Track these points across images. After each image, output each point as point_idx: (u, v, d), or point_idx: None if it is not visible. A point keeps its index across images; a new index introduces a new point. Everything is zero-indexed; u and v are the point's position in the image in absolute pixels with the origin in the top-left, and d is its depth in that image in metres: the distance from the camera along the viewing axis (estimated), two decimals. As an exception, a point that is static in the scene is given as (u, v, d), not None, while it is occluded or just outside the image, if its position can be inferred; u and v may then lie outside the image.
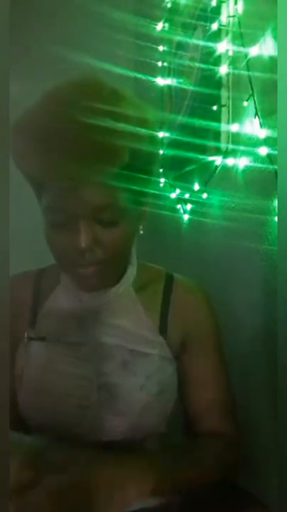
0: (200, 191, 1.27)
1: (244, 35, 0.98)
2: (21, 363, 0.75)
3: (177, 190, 1.43)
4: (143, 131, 0.65)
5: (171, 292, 0.78)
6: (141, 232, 0.75)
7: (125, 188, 0.66)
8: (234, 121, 1.09)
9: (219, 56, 1.10)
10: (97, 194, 0.64)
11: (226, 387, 0.78)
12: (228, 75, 1.09)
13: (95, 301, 0.75)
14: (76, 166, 0.61)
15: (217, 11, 1.11)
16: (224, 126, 1.10)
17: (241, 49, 0.98)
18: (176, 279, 0.81)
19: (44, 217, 0.68)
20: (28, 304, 0.80)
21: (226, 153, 1.11)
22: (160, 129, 1.58)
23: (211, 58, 1.15)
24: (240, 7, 1.01)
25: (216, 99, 1.13)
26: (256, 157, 0.98)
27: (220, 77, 1.10)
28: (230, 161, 1.09)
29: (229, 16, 1.07)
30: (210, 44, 1.15)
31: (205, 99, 1.22)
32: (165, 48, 1.58)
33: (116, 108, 0.64)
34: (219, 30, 1.10)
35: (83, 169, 0.61)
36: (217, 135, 1.14)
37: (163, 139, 1.58)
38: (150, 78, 1.67)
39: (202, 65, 1.24)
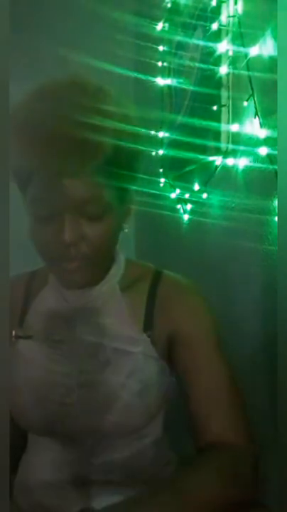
0: (200, 191, 1.27)
1: (244, 35, 0.98)
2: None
3: (177, 190, 1.43)
4: (125, 127, 0.67)
5: (157, 290, 0.77)
6: (126, 230, 0.75)
7: (110, 182, 0.67)
8: (234, 121, 1.08)
9: (219, 56, 1.10)
10: (82, 187, 0.65)
11: (227, 384, 0.73)
12: (228, 75, 1.09)
13: (79, 300, 0.76)
14: (60, 158, 0.62)
15: (217, 11, 1.11)
16: (224, 126, 1.10)
17: (241, 49, 0.98)
18: (164, 276, 0.80)
19: (28, 212, 0.69)
20: (18, 304, 0.81)
21: (226, 153, 1.11)
22: (160, 128, 1.58)
23: (211, 58, 1.15)
24: (240, 7, 1.01)
25: (216, 99, 1.13)
26: (256, 157, 0.98)
27: (220, 77, 1.10)
28: (230, 161, 1.09)
29: (229, 16, 1.07)
30: (210, 44, 1.15)
31: (205, 99, 1.22)
32: (165, 48, 1.58)
33: (99, 104, 0.65)
34: (219, 30, 1.10)
35: (66, 161, 0.62)
36: (217, 135, 1.13)
37: (163, 138, 1.58)
38: (150, 78, 1.67)
39: (202, 65, 1.24)
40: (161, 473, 0.77)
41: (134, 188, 0.76)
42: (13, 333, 0.77)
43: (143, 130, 0.73)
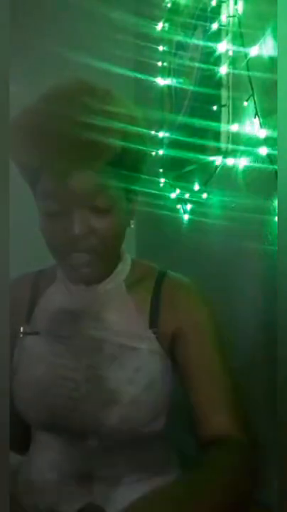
0: (200, 191, 1.27)
1: (244, 35, 0.98)
2: (16, 357, 0.78)
3: (177, 190, 1.43)
4: (132, 128, 0.70)
5: (162, 288, 0.80)
6: (132, 226, 0.78)
7: (117, 180, 0.70)
8: (234, 121, 1.08)
9: (219, 56, 1.10)
10: (91, 182, 0.68)
11: (226, 378, 0.75)
12: (228, 75, 1.09)
13: (86, 296, 0.78)
14: (68, 157, 0.65)
15: (217, 11, 1.11)
16: (224, 126, 1.10)
17: (241, 49, 0.98)
18: (168, 276, 0.82)
19: (39, 208, 0.72)
20: (25, 302, 0.83)
21: (226, 153, 1.11)
22: (160, 128, 1.58)
23: (211, 58, 1.15)
24: (240, 7, 1.02)
25: (216, 99, 1.13)
26: (256, 157, 0.98)
27: (220, 77, 1.10)
28: (230, 161, 1.09)
29: (229, 16, 1.07)
30: (210, 44, 1.15)
31: (205, 99, 1.22)
32: (165, 48, 1.58)
33: (108, 106, 0.68)
34: (219, 30, 1.10)
35: (75, 160, 0.65)
36: (217, 135, 1.13)
37: (163, 138, 1.58)
38: (150, 78, 1.67)
39: (202, 65, 1.24)
40: (163, 470, 0.78)
41: (136, 187, 0.78)
42: (21, 329, 0.79)
43: (148, 131, 0.75)
